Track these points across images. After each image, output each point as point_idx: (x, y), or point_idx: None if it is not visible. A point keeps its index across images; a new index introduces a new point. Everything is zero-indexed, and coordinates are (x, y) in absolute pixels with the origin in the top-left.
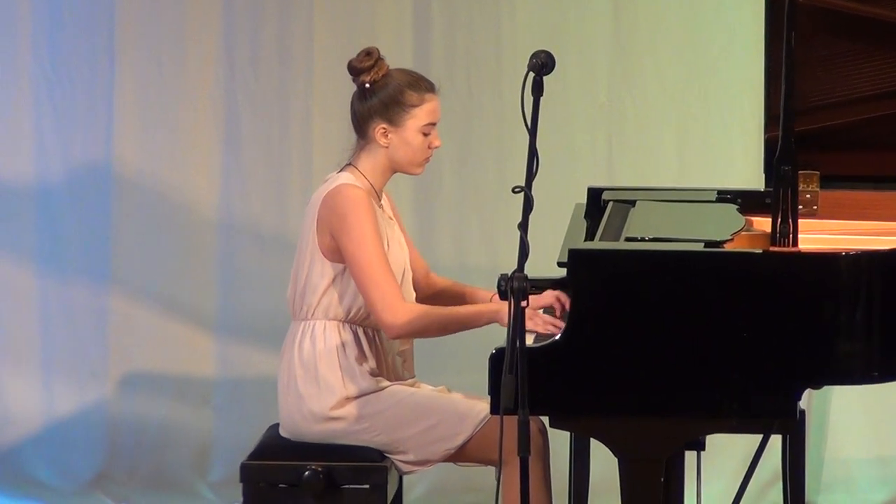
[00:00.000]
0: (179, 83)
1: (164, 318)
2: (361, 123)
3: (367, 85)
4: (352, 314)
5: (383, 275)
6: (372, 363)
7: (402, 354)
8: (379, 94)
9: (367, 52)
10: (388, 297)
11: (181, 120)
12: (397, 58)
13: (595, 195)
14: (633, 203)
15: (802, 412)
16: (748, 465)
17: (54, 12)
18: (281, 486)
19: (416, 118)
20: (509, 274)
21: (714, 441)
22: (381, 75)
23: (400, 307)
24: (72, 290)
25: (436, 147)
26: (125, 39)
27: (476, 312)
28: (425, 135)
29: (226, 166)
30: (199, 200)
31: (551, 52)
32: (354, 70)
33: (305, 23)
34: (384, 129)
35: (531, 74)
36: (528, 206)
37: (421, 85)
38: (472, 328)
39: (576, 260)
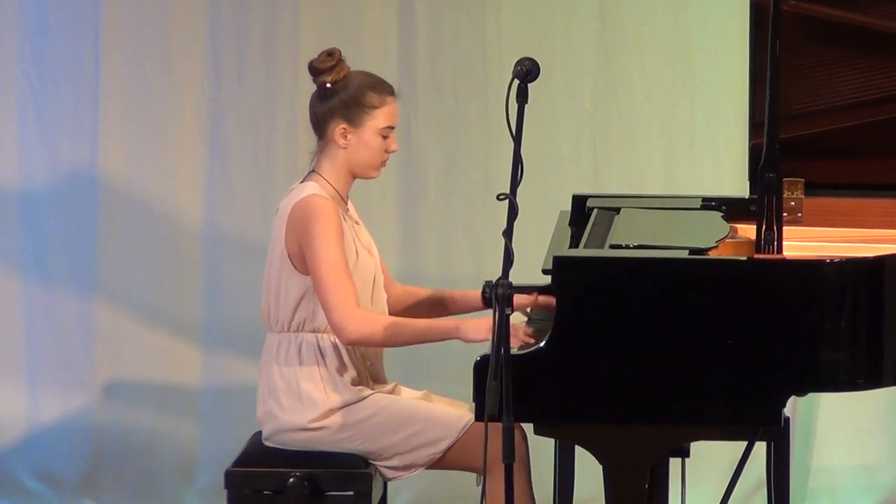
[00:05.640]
0: (165, 90)
1: (150, 326)
2: (321, 123)
3: (328, 85)
4: (328, 325)
5: (341, 281)
6: (352, 372)
7: (369, 357)
8: (339, 95)
9: (329, 53)
10: (342, 302)
11: (167, 127)
12: (383, 65)
13: (580, 202)
14: (617, 210)
15: (787, 419)
16: (733, 472)
17: (39, 18)
18: (265, 492)
19: (376, 119)
20: (494, 281)
21: (699, 448)
22: (342, 76)
23: (352, 312)
24: (57, 297)
25: (393, 151)
26: (110, 46)
27: (431, 327)
28: (384, 138)
29: (211, 174)
30: (185, 209)
31: (536, 59)
32: (315, 70)
33: (291, 31)
34: (344, 129)
35: (516, 82)
36: (512, 213)
37: (381, 87)
38: (428, 341)
39: (560, 267)
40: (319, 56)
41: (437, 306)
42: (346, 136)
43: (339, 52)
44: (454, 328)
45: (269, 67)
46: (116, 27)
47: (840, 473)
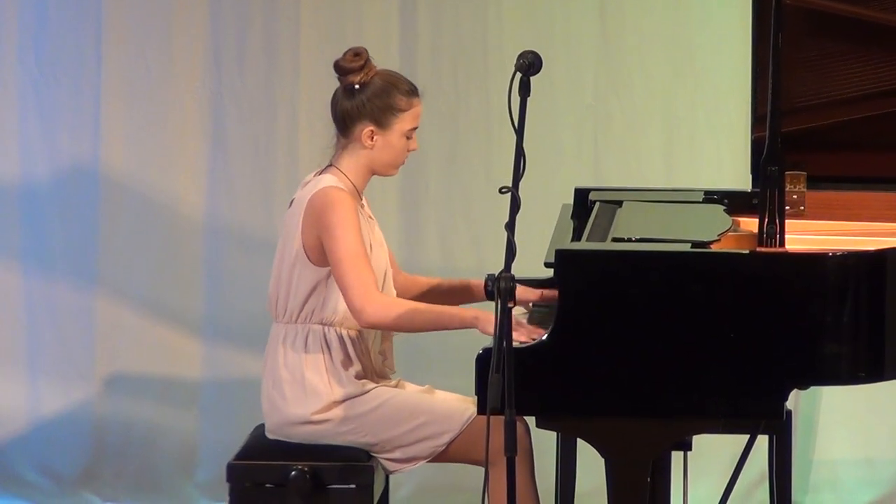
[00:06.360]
0: (166, 84)
1: (151, 319)
2: (347, 122)
3: (357, 86)
4: (337, 317)
5: (361, 266)
6: (357, 366)
7: (382, 353)
8: (369, 96)
9: (356, 53)
10: (363, 286)
11: (168, 121)
12: (384, 58)
13: (582, 196)
14: (619, 203)
15: (789, 412)
16: (735, 465)
17: (41, 12)
18: (267, 486)
19: (403, 122)
20: (496, 274)
21: (701, 441)
22: (370, 76)
23: (373, 296)
24: (58, 290)
25: (413, 150)
26: (112, 40)
27: (451, 314)
28: (407, 138)
29: (212, 168)
30: (186, 202)
31: (538, 52)
32: (343, 70)
33: (292, 24)
34: (372, 131)
35: (518, 75)
36: (514, 206)
37: (409, 89)
38: (446, 329)
39: (562, 260)
40: (346, 55)
41: (460, 293)
42: (372, 138)
43: (366, 51)
44: (473, 318)
45: (270, 61)
46: (118, 21)
47: (842, 467)
